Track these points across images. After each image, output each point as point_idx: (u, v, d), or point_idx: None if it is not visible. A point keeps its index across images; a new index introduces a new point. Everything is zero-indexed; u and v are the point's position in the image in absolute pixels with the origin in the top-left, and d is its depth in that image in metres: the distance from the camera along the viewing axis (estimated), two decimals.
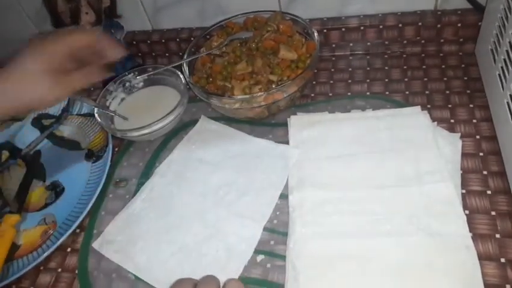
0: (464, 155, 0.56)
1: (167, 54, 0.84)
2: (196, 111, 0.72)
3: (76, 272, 0.56)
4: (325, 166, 0.58)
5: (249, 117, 0.67)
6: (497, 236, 0.48)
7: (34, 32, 0.89)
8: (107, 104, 0.73)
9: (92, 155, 0.70)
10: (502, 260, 0.46)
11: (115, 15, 0.77)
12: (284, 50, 0.64)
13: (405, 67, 0.70)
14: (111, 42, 0.53)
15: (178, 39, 0.81)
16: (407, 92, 0.66)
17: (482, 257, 0.46)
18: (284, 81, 0.62)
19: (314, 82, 0.71)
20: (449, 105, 0.62)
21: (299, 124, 0.64)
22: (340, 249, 0.50)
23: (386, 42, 0.73)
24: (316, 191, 0.56)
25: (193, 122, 0.70)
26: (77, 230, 0.61)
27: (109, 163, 0.65)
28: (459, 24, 0.68)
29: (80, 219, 0.59)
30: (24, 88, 0.48)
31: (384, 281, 0.47)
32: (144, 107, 0.72)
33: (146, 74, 0.73)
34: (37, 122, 0.77)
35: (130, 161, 0.68)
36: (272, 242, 0.53)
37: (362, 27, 0.72)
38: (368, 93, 0.67)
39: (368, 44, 0.74)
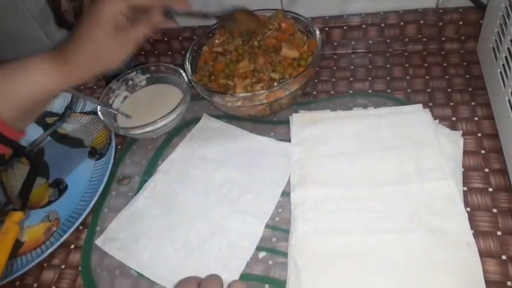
0: (465, 152, 0.56)
1: (169, 53, 0.84)
2: (199, 109, 0.72)
3: (79, 268, 0.57)
4: (327, 164, 0.58)
5: (251, 115, 0.67)
6: (499, 233, 0.48)
7: (37, 31, 0.89)
8: (110, 102, 0.73)
9: (95, 153, 0.70)
10: (503, 257, 0.47)
11: None
12: (286, 48, 0.64)
13: (407, 65, 0.70)
14: None
15: (180, 38, 0.81)
16: (408, 90, 0.66)
17: (483, 254, 0.47)
18: (286, 79, 0.62)
19: (316, 80, 0.72)
20: (451, 103, 0.62)
21: (301, 122, 0.64)
22: (341, 246, 0.50)
23: (388, 40, 0.73)
24: (318, 188, 0.56)
25: (196, 120, 0.70)
26: (81, 227, 0.61)
27: (112, 161, 0.66)
28: (460, 22, 0.68)
29: (83, 216, 0.60)
30: (97, 59, 0.48)
31: (385, 277, 0.47)
32: (147, 105, 0.73)
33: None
34: (40, 120, 0.77)
35: (132, 159, 0.68)
36: (274, 239, 0.54)
37: (363, 26, 0.72)
38: (369, 91, 0.67)
39: (370, 42, 0.74)
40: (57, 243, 0.58)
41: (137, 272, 0.54)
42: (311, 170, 0.58)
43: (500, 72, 0.55)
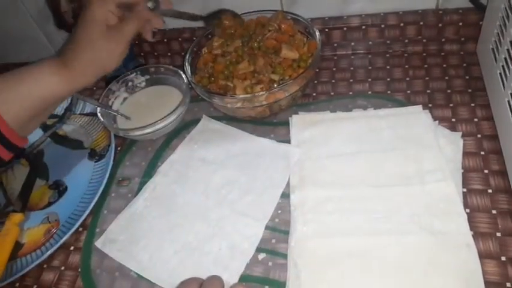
0: (465, 153, 0.56)
1: (169, 54, 0.84)
2: (198, 111, 0.72)
3: (79, 270, 0.57)
4: (326, 165, 0.58)
5: (251, 117, 0.67)
6: (498, 234, 0.48)
7: (37, 32, 0.89)
8: (110, 103, 0.73)
9: (95, 154, 0.70)
10: (503, 258, 0.47)
11: None
12: (286, 49, 0.64)
13: (406, 66, 0.70)
14: None
15: (180, 39, 0.81)
16: (408, 91, 0.66)
17: (482, 255, 0.47)
18: (286, 80, 0.62)
19: (316, 81, 0.72)
20: (451, 104, 0.62)
21: (301, 123, 0.64)
22: (341, 247, 0.50)
23: (388, 42, 0.73)
24: (317, 189, 0.56)
25: (195, 122, 0.70)
26: (80, 229, 0.61)
27: (111, 162, 0.66)
28: (460, 24, 0.68)
29: (83, 218, 0.60)
30: (97, 63, 0.50)
31: (385, 279, 0.47)
32: (146, 107, 0.73)
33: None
34: None
35: (132, 160, 0.68)
36: (274, 241, 0.54)
37: (363, 27, 0.72)
38: (369, 93, 0.67)
39: (370, 43, 0.74)
40: (57, 245, 0.58)
41: (137, 273, 0.54)
42: (311, 172, 0.58)
43: (500, 74, 0.55)
